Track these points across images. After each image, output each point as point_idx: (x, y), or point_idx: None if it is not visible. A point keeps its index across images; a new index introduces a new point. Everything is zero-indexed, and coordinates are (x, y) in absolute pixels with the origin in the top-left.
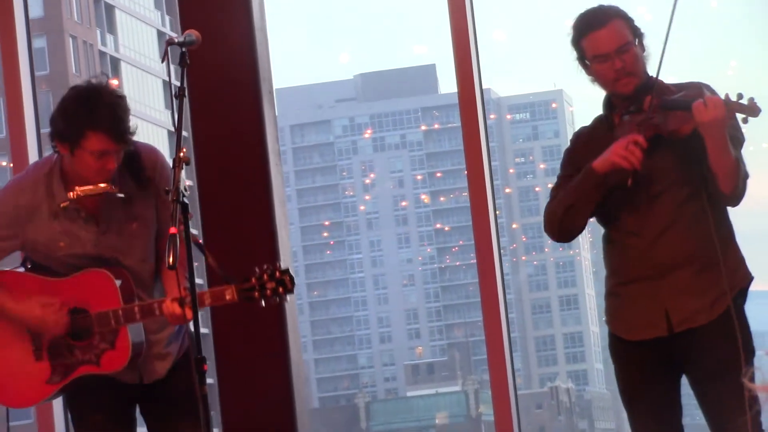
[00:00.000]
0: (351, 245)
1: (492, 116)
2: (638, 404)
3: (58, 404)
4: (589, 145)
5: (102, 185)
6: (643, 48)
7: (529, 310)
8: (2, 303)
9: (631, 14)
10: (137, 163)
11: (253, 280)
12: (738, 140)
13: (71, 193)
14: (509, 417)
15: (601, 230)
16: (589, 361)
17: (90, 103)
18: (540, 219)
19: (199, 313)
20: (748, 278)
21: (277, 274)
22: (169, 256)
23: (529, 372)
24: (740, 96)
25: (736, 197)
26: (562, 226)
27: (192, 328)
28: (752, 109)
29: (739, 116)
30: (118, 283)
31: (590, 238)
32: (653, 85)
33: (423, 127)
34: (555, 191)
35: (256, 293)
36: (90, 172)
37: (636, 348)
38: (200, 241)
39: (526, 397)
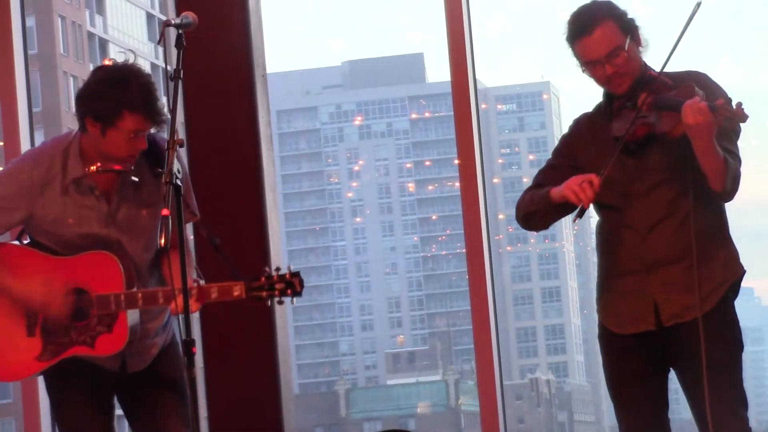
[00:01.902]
0: (335, 232)
1: (483, 106)
2: (625, 397)
3: (43, 383)
4: (589, 133)
5: (118, 167)
6: (638, 42)
7: (511, 301)
8: (2, 280)
9: (625, 6)
10: (157, 155)
11: (263, 279)
12: (732, 130)
13: (92, 167)
14: (495, 408)
15: (587, 223)
16: (570, 353)
17: (126, 83)
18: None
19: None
20: (739, 273)
21: (288, 275)
22: (160, 238)
23: (510, 363)
24: (728, 101)
25: (727, 194)
26: (524, 222)
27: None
28: (739, 116)
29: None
30: (122, 267)
31: (575, 231)
32: (650, 80)
33: (414, 116)
34: (537, 177)
35: (265, 293)
36: (121, 151)
37: (625, 341)
38: (218, 241)
39: (505, 388)
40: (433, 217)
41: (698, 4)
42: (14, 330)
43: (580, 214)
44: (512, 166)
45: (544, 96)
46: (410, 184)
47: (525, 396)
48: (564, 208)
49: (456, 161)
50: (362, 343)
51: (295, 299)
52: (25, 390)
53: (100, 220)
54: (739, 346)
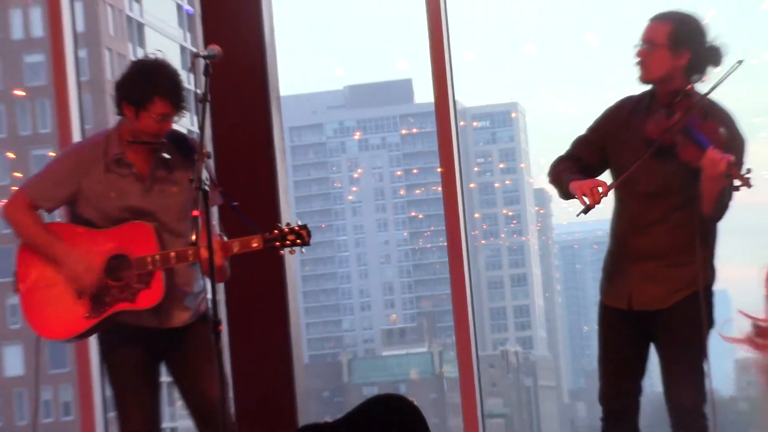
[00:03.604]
0: (338, 228)
1: (462, 123)
2: (607, 358)
3: (95, 354)
4: (629, 116)
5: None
6: (679, 57)
7: (485, 285)
8: (56, 252)
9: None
10: (186, 145)
11: (276, 231)
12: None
13: (128, 140)
14: (471, 374)
15: (548, 220)
16: (535, 329)
17: (156, 73)
18: (496, 210)
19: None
20: (709, 279)
21: (297, 228)
22: (191, 235)
23: (484, 337)
24: (741, 163)
25: (712, 219)
26: (551, 185)
27: (210, 295)
28: (745, 182)
29: (735, 182)
30: (156, 233)
31: (539, 226)
32: (686, 96)
33: (404, 131)
34: (573, 146)
35: (278, 242)
36: (150, 131)
37: (612, 312)
38: (236, 204)
39: (480, 358)
40: (420, 216)
41: (739, 62)
42: (65, 294)
43: (585, 212)
44: (486, 173)
45: (513, 114)
46: (401, 189)
47: (497, 365)
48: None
49: (439, 169)
50: (361, 321)
51: (304, 249)
52: (79, 360)
53: (137, 194)
54: (699, 334)
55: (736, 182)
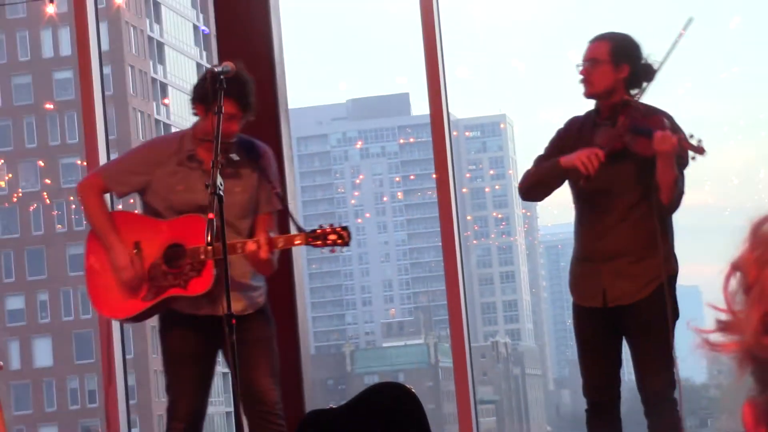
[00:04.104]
0: None
1: (455, 133)
2: (585, 353)
3: (118, 346)
4: (578, 133)
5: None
6: (620, 71)
7: (477, 282)
8: (107, 239)
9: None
10: (254, 150)
11: (318, 230)
12: (682, 163)
13: (200, 138)
14: (464, 364)
15: (534, 222)
16: (522, 322)
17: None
18: (487, 213)
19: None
20: (673, 270)
21: (338, 229)
22: (207, 236)
23: (476, 329)
24: (691, 136)
25: (671, 208)
26: (527, 192)
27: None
28: (699, 150)
29: (690, 154)
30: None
31: (526, 227)
32: (625, 104)
33: (401, 141)
34: (537, 161)
35: (320, 241)
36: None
37: (586, 311)
38: (288, 204)
39: (473, 349)
40: (417, 218)
41: (690, 20)
42: None
43: (587, 179)
44: (477, 179)
45: (501, 125)
46: (399, 193)
47: (488, 355)
48: (564, 178)
49: (434, 176)
50: (363, 315)
51: (344, 249)
52: (104, 351)
53: (201, 192)
54: (667, 324)
55: (691, 153)
